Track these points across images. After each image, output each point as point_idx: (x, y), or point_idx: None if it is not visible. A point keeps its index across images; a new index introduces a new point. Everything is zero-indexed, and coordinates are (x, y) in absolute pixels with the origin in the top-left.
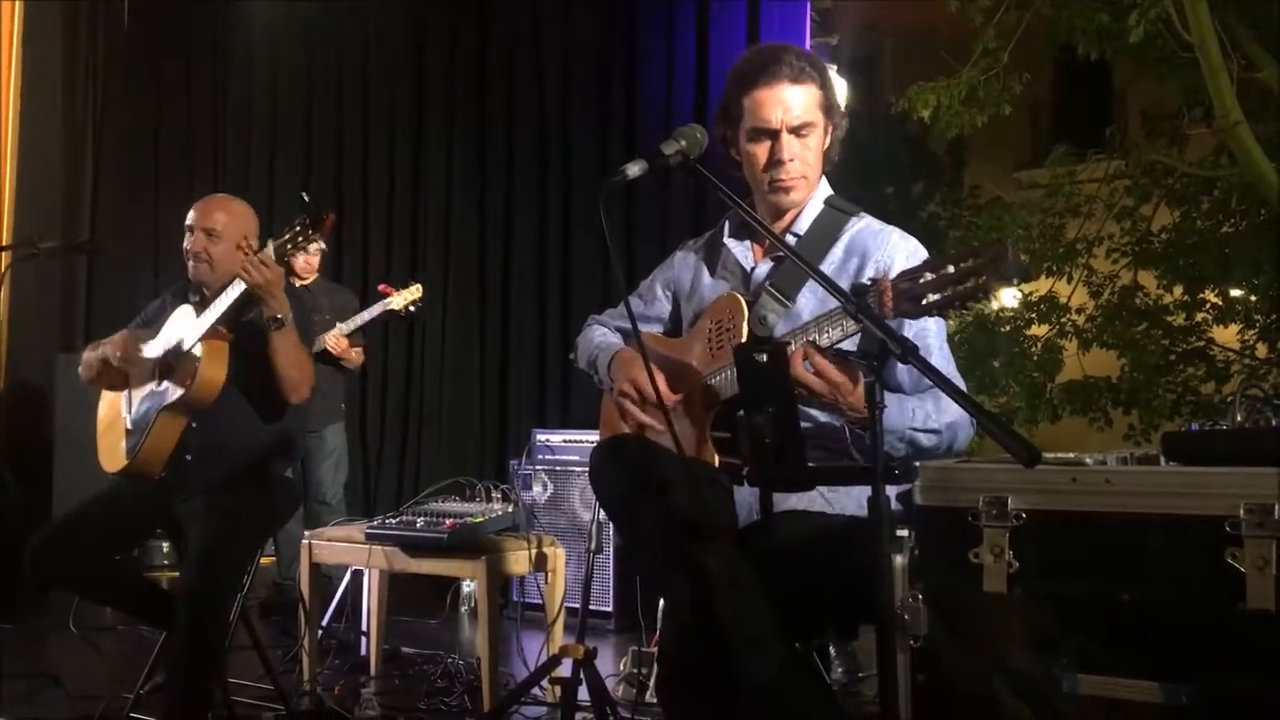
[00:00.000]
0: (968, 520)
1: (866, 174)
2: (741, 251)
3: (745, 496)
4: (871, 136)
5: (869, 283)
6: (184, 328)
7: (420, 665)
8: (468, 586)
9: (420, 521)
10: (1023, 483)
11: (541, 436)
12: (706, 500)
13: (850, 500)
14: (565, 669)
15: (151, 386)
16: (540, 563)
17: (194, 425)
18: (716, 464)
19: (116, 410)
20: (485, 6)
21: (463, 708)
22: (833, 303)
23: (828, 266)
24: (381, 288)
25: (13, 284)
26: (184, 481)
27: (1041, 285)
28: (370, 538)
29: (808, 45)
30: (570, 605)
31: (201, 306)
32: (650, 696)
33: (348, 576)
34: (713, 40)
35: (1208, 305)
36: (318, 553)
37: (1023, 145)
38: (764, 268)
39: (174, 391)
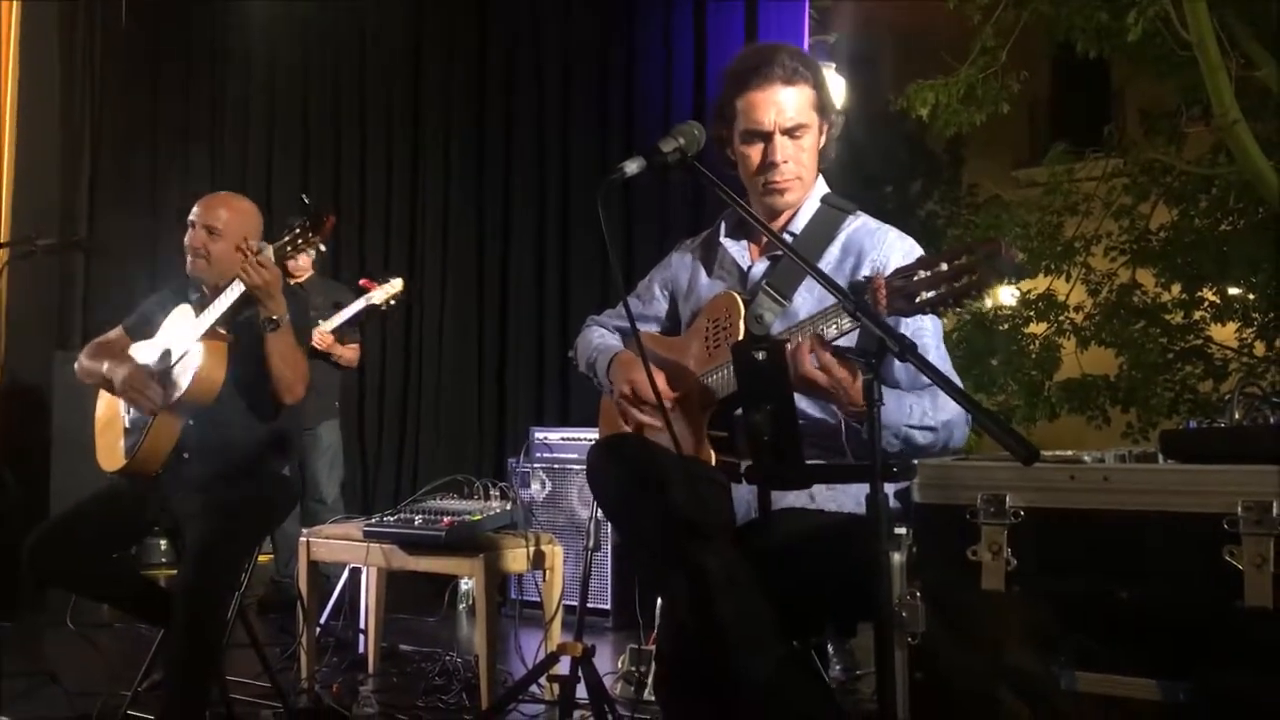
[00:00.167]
0: (966, 518)
1: (865, 172)
2: (738, 251)
3: (743, 494)
4: (870, 135)
5: (864, 280)
6: (183, 327)
7: (418, 663)
8: (466, 584)
9: (418, 519)
10: (1021, 480)
11: (540, 434)
12: (705, 499)
13: (848, 498)
14: (563, 667)
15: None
16: (538, 560)
17: (191, 424)
18: (714, 463)
19: (115, 409)
20: (484, 5)
21: (461, 705)
22: (830, 301)
23: (824, 265)
24: (363, 282)
25: (10, 282)
26: (181, 479)
27: (1040, 283)
28: (368, 535)
29: (806, 44)
30: (568, 603)
31: (200, 306)
32: (648, 694)
33: (346, 574)
34: (711, 39)
35: (1206, 303)
36: (316, 550)
37: (1021, 143)
38: (761, 267)
39: (172, 391)
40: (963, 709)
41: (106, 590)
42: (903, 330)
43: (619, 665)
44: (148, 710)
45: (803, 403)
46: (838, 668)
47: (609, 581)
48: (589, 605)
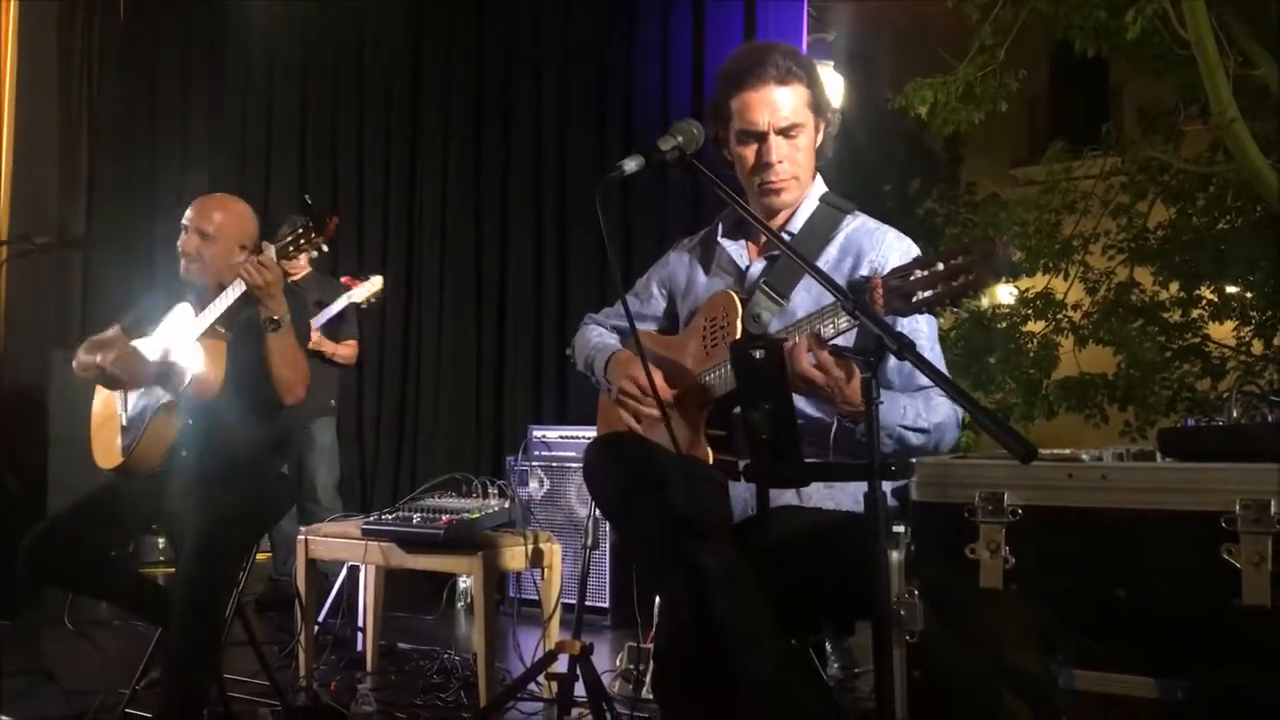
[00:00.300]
0: (964, 516)
1: (863, 171)
2: (736, 250)
3: (740, 492)
4: (868, 133)
5: (862, 279)
6: (183, 326)
7: (416, 661)
8: (464, 582)
9: (417, 517)
10: (1019, 479)
11: (538, 432)
12: (703, 498)
13: (845, 496)
14: (561, 665)
15: (148, 386)
16: (536, 558)
17: (189, 422)
18: (711, 461)
19: (112, 407)
20: (482, 4)
21: (459, 703)
22: (827, 300)
23: (822, 265)
24: (344, 279)
25: (7, 280)
26: (179, 478)
27: (1038, 282)
28: (367, 533)
29: (804, 42)
30: (566, 601)
31: (200, 305)
32: (646, 692)
33: (344, 572)
34: (709, 37)
35: (1204, 302)
36: (314, 549)
37: (1019, 142)
38: (758, 266)
39: (171, 391)
40: (961, 707)
41: (104, 588)
42: (898, 330)
43: (617, 663)
44: (146, 708)
45: (800, 402)
46: (836, 666)
47: (607, 580)
48: (587, 603)
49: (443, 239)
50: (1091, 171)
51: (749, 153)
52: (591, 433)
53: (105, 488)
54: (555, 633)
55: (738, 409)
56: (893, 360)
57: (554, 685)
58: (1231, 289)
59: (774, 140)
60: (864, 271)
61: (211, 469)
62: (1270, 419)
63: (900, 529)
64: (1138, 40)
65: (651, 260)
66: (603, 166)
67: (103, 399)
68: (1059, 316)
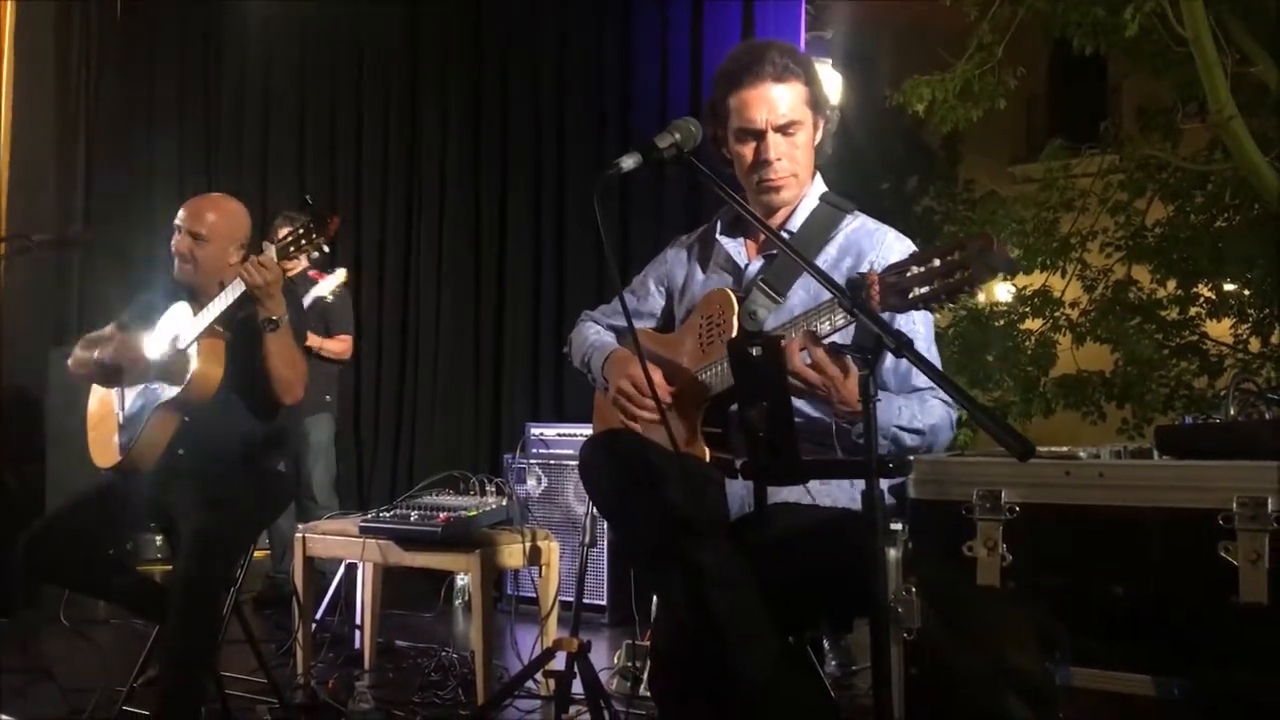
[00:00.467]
0: (961, 513)
1: (861, 169)
2: (735, 248)
3: (737, 490)
4: (866, 131)
5: (860, 276)
6: (181, 325)
7: (414, 659)
8: (462, 580)
9: (414, 515)
10: (1016, 476)
11: (536, 430)
12: (699, 495)
13: (842, 493)
14: (559, 662)
15: (146, 382)
16: (534, 556)
17: (187, 420)
18: (708, 459)
19: (108, 405)
20: (481, 2)
21: (456, 701)
22: (824, 297)
23: (821, 264)
24: (311, 274)
25: (5, 278)
26: (177, 475)
27: (1035, 279)
28: (364, 531)
29: (802, 40)
30: (564, 599)
31: (197, 304)
32: (644, 690)
33: (341, 570)
34: (707, 35)
35: (1201, 300)
36: (312, 546)
37: (1017, 139)
38: (756, 264)
39: (169, 389)
40: (958, 705)
41: (102, 586)
42: (896, 328)
43: (615, 661)
44: (143, 706)
45: (800, 401)
46: (833, 663)
47: (605, 577)
48: (585, 601)
49: (441, 237)
50: (1089, 169)
51: (747, 150)
52: (589, 430)
53: (103, 486)
54: (553, 630)
55: (734, 406)
56: (889, 360)
57: (551, 683)
58: (1229, 287)
59: (772, 138)
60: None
61: (209, 467)
62: (1267, 416)
63: (898, 526)
64: (1136, 38)
65: (649, 258)
66: (600, 164)
67: (98, 397)
68: (1057, 314)
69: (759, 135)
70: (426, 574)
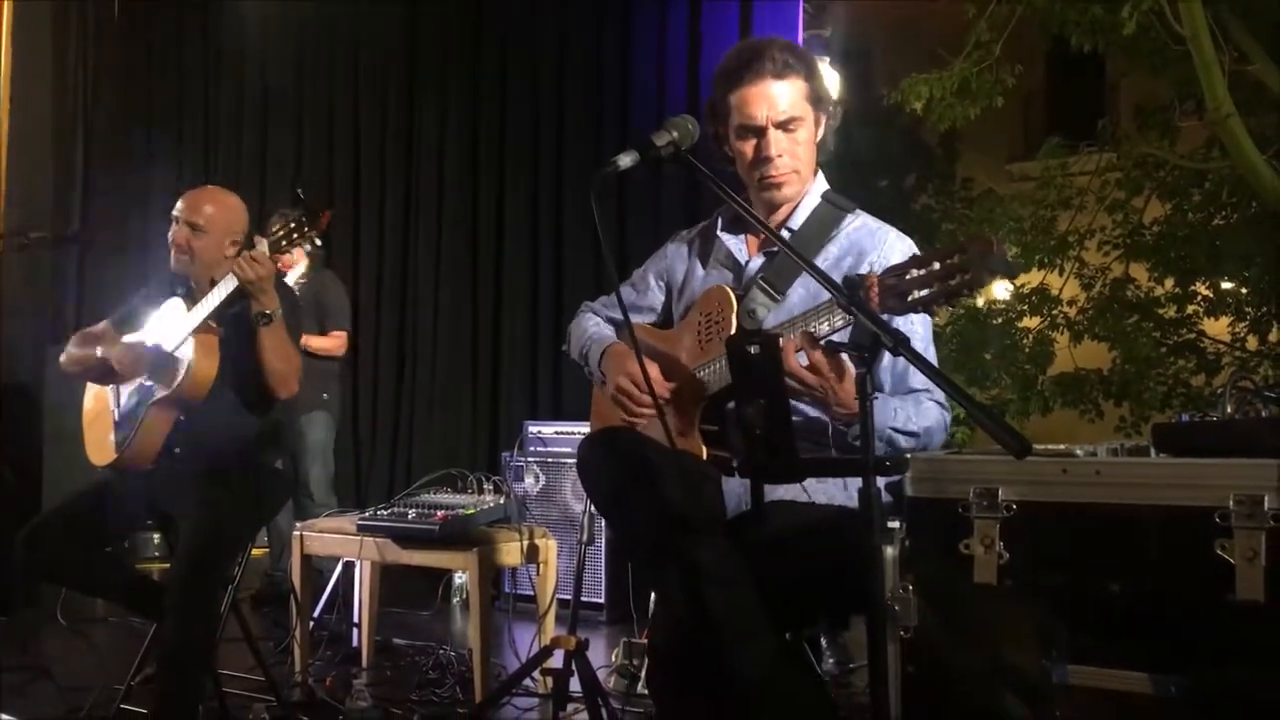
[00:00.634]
0: (958, 511)
1: (859, 166)
2: (735, 244)
3: (735, 487)
4: (864, 129)
5: (858, 276)
6: (174, 321)
7: (412, 657)
8: (459, 578)
9: (412, 513)
10: (1013, 474)
11: (533, 428)
12: (697, 493)
13: (839, 491)
14: (557, 660)
15: (140, 380)
16: (532, 554)
17: (183, 418)
18: (705, 456)
19: (104, 403)
20: (480, 2)
21: (454, 699)
22: (824, 297)
23: (822, 263)
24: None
25: (3, 275)
26: (174, 473)
27: (1033, 277)
28: (362, 529)
29: (800, 39)
30: (562, 597)
31: (191, 299)
32: (641, 688)
33: (339, 568)
34: (705, 33)
35: (1199, 298)
36: (309, 544)
37: (1015, 137)
38: (757, 262)
39: (164, 386)
40: (955, 702)
41: (99, 585)
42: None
43: (613, 659)
44: (141, 704)
45: (799, 402)
46: (830, 661)
47: (603, 575)
48: (583, 599)
49: (439, 236)
50: (1087, 167)
51: (748, 148)
52: (586, 429)
53: (99, 484)
54: (551, 628)
55: (732, 404)
56: (885, 360)
57: (549, 681)
58: (1226, 285)
59: (772, 134)
60: (864, 271)
61: (205, 464)
62: (1264, 414)
63: (895, 524)
64: (1133, 36)
65: (646, 255)
66: (598, 162)
67: (93, 395)
68: (1054, 312)
69: (759, 132)
70: (424, 572)
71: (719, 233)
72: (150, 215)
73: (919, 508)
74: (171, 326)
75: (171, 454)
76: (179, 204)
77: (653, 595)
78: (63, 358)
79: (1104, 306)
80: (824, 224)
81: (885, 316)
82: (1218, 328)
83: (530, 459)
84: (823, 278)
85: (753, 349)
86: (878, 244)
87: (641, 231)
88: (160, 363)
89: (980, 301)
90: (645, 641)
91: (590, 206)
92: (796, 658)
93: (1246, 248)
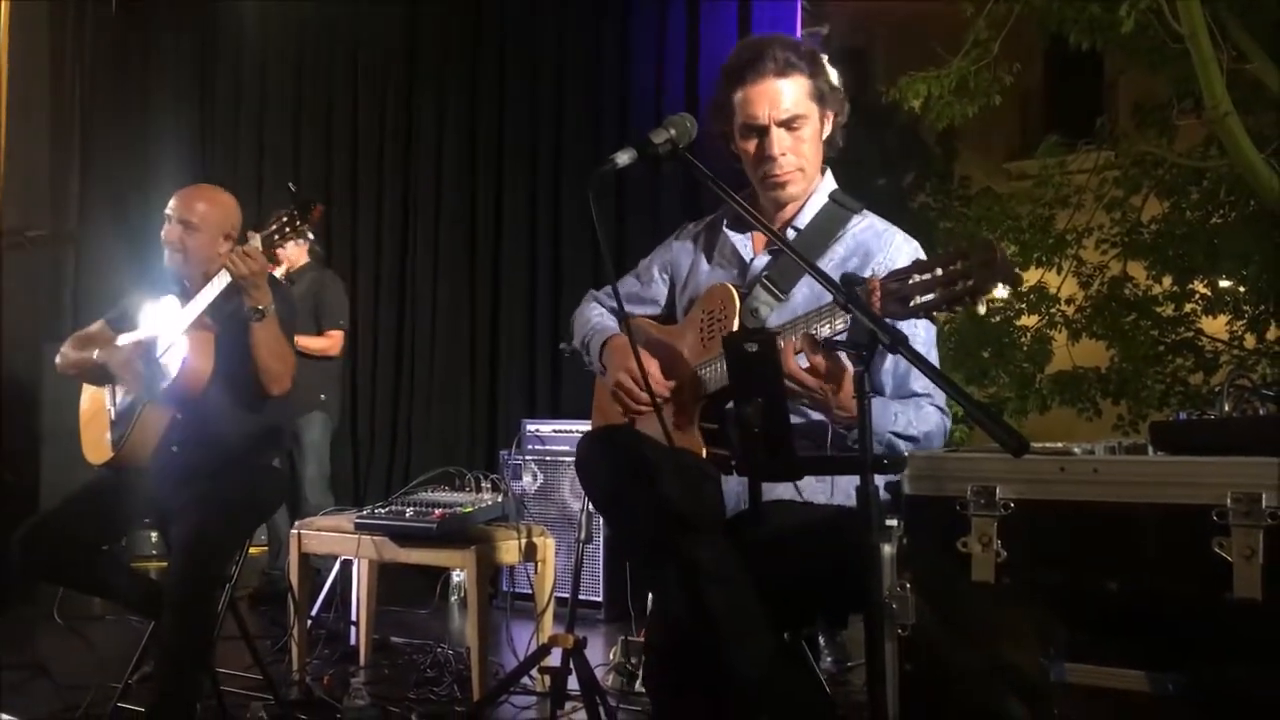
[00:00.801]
0: (956, 509)
1: (857, 165)
2: (741, 242)
3: (733, 486)
4: (862, 127)
5: (859, 277)
6: (169, 319)
7: (410, 655)
8: (457, 576)
9: (410, 511)
10: (1011, 472)
11: (531, 426)
12: (696, 492)
13: (838, 490)
14: (555, 658)
15: (136, 379)
16: (530, 552)
17: (179, 416)
18: (704, 454)
19: (100, 402)
20: (480, 1)
21: (452, 697)
22: (827, 299)
23: (827, 263)
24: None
25: (0, 273)
26: (170, 472)
27: (1031, 276)
28: (359, 528)
29: (798, 36)
30: (560, 595)
31: (186, 297)
32: (639, 686)
33: (337, 567)
34: (703, 32)
35: (1197, 296)
36: (307, 543)
37: (1013, 136)
38: (762, 260)
39: (159, 384)
40: (953, 700)
41: (96, 583)
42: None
43: (610, 657)
44: (139, 702)
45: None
46: (828, 659)
47: (601, 573)
48: (580, 597)
49: (437, 234)
50: (1085, 165)
51: (751, 147)
52: (585, 426)
53: (96, 482)
54: (548, 627)
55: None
56: (887, 363)
57: (547, 679)
58: (1224, 283)
59: (776, 133)
60: (868, 274)
61: (202, 462)
62: (1262, 412)
63: (893, 523)
64: (1132, 34)
65: (645, 253)
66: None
67: (89, 395)
68: (1052, 310)
69: (763, 131)
70: (422, 570)
71: (725, 229)
72: (147, 214)
73: (917, 506)
74: (166, 324)
75: (168, 452)
76: (171, 202)
77: (650, 594)
78: (58, 360)
79: (1102, 305)
80: (830, 224)
81: (888, 320)
82: (1215, 326)
83: (528, 457)
84: (820, 275)
85: (750, 347)
86: (884, 246)
87: (640, 230)
88: (155, 361)
89: (982, 309)
90: (643, 640)
91: (588, 205)
92: (794, 656)
93: (1244, 246)
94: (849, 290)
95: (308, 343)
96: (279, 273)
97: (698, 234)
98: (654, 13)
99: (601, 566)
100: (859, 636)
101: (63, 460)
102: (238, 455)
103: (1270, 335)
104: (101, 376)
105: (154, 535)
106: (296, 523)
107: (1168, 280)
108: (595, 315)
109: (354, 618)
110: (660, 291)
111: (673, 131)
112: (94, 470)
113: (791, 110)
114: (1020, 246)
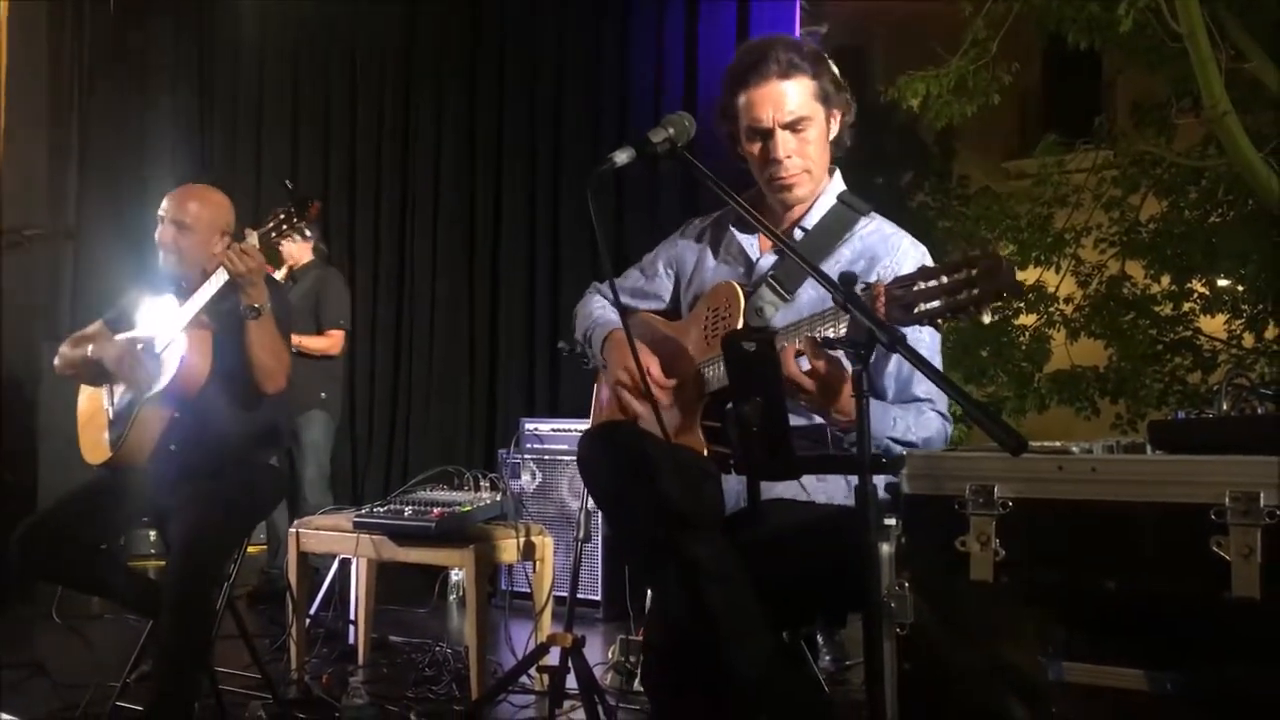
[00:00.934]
0: (954, 508)
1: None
2: (748, 241)
3: (733, 485)
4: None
5: (863, 284)
6: (167, 317)
7: (408, 654)
8: (456, 575)
9: (408, 510)
10: (1009, 471)
11: (530, 425)
12: (697, 489)
13: (837, 489)
14: (553, 657)
15: (133, 378)
16: (528, 551)
17: (177, 416)
18: (705, 452)
19: (97, 402)
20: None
21: (451, 696)
22: (830, 300)
23: (833, 266)
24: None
25: None
26: (168, 471)
27: (1030, 275)
28: (358, 526)
29: (797, 36)
30: (558, 594)
31: (184, 296)
32: (638, 685)
33: (335, 565)
34: (702, 33)
35: (1195, 295)
36: (305, 542)
37: (1012, 135)
38: (768, 259)
39: (157, 383)
40: (952, 700)
41: (95, 583)
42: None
43: (609, 656)
44: (137, 701)
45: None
46: (827, 658)
47: (599, 573)
48: (579, 596)
49: (435, 233)
50: (1084, 165)
51: (757, 150)
52: (584, 425)
53: (95, 481)
54: (547, 625)
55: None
56: (890, 366)
57: (545, 678)
58: (1223, 282)
59: (780, 135)
60: (874, 278)
61: (200, 461)
62: (1260, 412)
63: (891, 522)
64: (1130, 33)
65: (644, 253)
66: (595, 159)
67: (87, 395)
68: (1051, 310)
69: (767, 134)
70: (421, 569)
71: (732, 226)
72: (145, 213)
73: (915, 505)
74: (164, 323)
75: (167, 452)
76: (164, 203)
77: (649, 592)
78: (57, 360)
79: (1100, 304)
80: (838, 226)
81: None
82: (1214, 325)
83: (527, 456)
84: (820, 275)
85: (749, 346)
86: (890, 250)
87: (638, 229)
88: (150, 356)
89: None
90: (641, 638)
91: (587, 204)
92: (793, 655)
93: (1243, 245)
94: (847, 289)
95: (308, 343)
96: (281, 271)
97: (704, 230)
98: (653, 13)
99: (600, 565)
100: (857, 635)
101: (61, 460)
102: (236, 454)
103: (1268, 334)
104: (98, 373)
105: (152, 534)
106: (295, 521)
107: (1166, 279)
108: (597, 308)
109: (352, 616)
110: (665, 286)
111: (671, 131)
112: (92, 470)
113: (796, 112)
114: (1019, 246)
